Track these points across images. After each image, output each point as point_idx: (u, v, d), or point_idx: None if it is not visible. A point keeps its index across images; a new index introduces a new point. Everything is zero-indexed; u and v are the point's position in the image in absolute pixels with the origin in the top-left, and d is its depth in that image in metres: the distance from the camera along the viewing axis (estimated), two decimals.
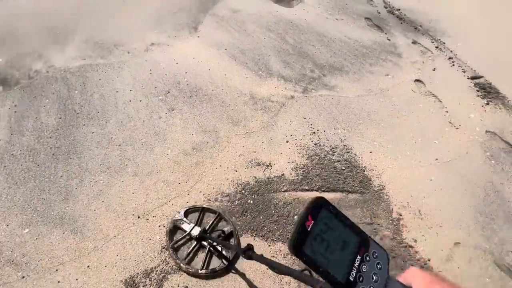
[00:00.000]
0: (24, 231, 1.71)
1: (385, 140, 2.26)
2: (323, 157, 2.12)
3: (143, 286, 1.53)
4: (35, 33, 3.07)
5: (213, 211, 1.79)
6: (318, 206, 0.46)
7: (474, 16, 3.64)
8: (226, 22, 3.35)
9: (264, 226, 1.77)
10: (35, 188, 1.91)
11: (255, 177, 2.00)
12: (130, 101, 2.46)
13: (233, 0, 3.63)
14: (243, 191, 1.92)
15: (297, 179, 1.99)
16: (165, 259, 1.63)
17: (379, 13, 3.68)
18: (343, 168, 2.06)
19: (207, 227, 1.70)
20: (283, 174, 2.01)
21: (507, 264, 1.64)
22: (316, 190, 1.93)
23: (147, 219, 1.79)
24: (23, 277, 1.55)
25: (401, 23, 3.52)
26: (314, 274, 0.54)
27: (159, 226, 1.76)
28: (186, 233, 1.66)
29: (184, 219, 1.72)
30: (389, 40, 3.27)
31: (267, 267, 0.97)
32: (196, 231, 1.64)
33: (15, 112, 2.33)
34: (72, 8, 3.37)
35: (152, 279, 1.56)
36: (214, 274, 1.59)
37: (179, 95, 2.53)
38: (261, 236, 1.73)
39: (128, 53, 2.92)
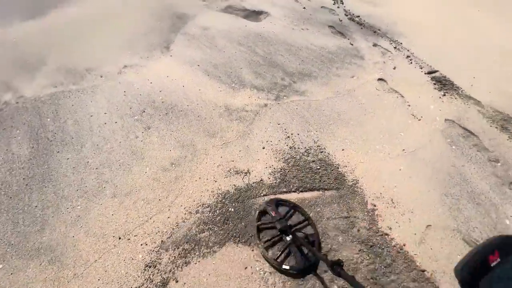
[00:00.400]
0: None
1: (355, 137, 2.41)
2: (299, 159, 2.22)
3: None
4: (3, 64, 3.05)
5: (304, 213, 1.85)
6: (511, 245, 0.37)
7: (426, 18, 4.01)
8: (197, 39, 3.49)
9: (246, 232, 1.81)
10: (8, 221, 1.86)
11: (234, 185, 2.05)
12: (105, 123, 2.48)
13: (202, 18, 3.79)
14: (223, 200, 1.96)
15: (275, 182, 2.07)
16: (148, 277, 1.63)
17: (341, 21, 3.96)
18: (318, 167, 2.16)
19: (293, 224, 1.75)
20: (261, 180, 2.09)
21: (474, 239, 1.76)
22: (294, 191, 2.02)
23: (129, 239, 1.79)
24: None
25: (361, 28, 3.80)
26: None
27: (141, 244, 1.76)
28: (273, 220, 1.75)
29: (276, 208, 1.82)
30: (352, 44, 3.51)
31: None
32: (282, 223, 1.70)
33: None
34: (41, 36, 3.40)
35: None
36: (285, 270, 1.61)
37: (154, 113, 2.58)
38: (244, 242, 1.77)
39: (101, 77, 2.96)
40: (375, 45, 3.51)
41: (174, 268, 1.66)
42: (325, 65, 3.21)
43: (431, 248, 1.75)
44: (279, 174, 2.12)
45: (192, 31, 3.62)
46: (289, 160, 2.21)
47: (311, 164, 2.19)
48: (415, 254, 1.72)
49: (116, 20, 3.70)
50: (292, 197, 1.99)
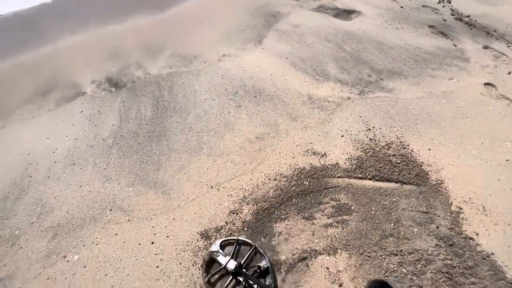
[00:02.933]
0: (129, 189, 2.37)
1: (446, 139, 2.35)
2: (378, 151, 2.33)
3: (214, 238, 1.96)
4: (137, 49, 4.12)
5: (249, 244, 1.86)
6: None
7: None
8: (288, 35, 3.92)
9: (309, 206, 2.05)
10: (137, 160, 2.61)
11: (310, 163, 2.33)
12: (206, 99, 3.12)
13: (294, 16, 4.22)
14: (299, 174, 2.26)
15: (351, 167, 2.24)
16: (231, 221, 2.05)
17: (445, 20, 3.76)
18: (399, 161, 2.23)
19: (242, 261, 1.77)
20: (337, 163, 2.29)
21: None
22: (370, 179, 2.15)
23: (218, 189, 2.27)
24: (129, 220, 2.16)
25: (471, 29, 3.53)
26: None
27: (228, 195, 2.21)
28: (222, 266, 1.74)
29: (220, 251, 1.81)
30: (455, 45, 3.32)
31: None
32: (232, 265, 1.71)
33: (123, 105, 3.20)
34: (162, 28, 4.42)
35: (222, 235, 1.98)
36: None
37: (245, 95, 3.09)
38: (305, 217, 2.01)
39: (205, 62, 3.68)
40: (486, 47, 3.23)
41: (251, 218, 2.04)
42: (418, 65, 3.16)
43: None
44: (355, 161, 2.28)
45: (284, 28, 4.07)
46: (367, 150, 2.35)
47: (391, 157, 2.27)
48: (505, 266, 1.63)
49: (219, 16, 4.48)
50: (366, 184, 2.13)
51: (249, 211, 2.09)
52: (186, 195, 2.27)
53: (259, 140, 2.59)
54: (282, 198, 2.11)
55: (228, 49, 3.84)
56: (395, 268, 1.68)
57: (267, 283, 1.66)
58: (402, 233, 1.82)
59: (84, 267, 1.89)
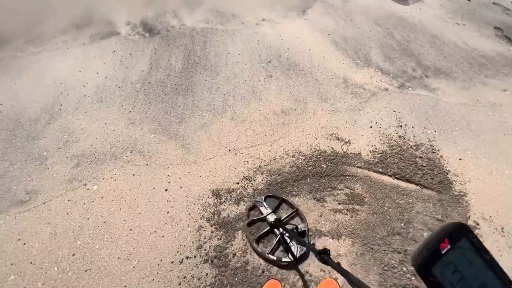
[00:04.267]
0: (151, 136, 2.44)
1: (482, 153, 2.22)
2: (405, 150, 2.25)
3: (225, 199, 2.03)
4: None
5: (292, 206, 1.95)
6: (459, 232, 0.44)
7: None
8: (335, 10, 3.65)
9: (324, 188, 2.05)
10: (161, 109, 2.64)
11: (332, 148, 2.29)
12: (237, 62, 3.04)
13: None
14: (318, 156, 2.23)
15: (373, 160, 2.19)
16: (244, 186, 2.10)
17: None
18: (424, 165, 2.15)
19: (282, 217, 1.87)
20: (359, 153, 2.24)
21: None
22: (390, 176, 2.10)
23: (236, 154, 2.30)
24: (147, 164, 2.25)
25: None
26: None
27: (244, 161, 2.24)
28: (263, 216, 1.88)
29: (264, 203, 1.94)
30: None
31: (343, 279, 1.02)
32: (272, 218, 1.84)
33: (155, 53, 3.18)
34: None
35: (232, 197, 2.05)
36: (278, 263, 1.71)
37: (278, 66, 2.99)
38: (317, 199, 2.02)
39: (242, 23, 3.53)
40: None
41: (263, 187, 2.08)
42: (472, 68, 2.90)
43: None
44: (379, 155, 2.22)
45: (332, 1, 3.78)
46: (394, 147, 2.27)
47: (417, 159, 2.19)
48: None
49: None
50: (385, 180, 2.09)
51: (262, 180, 2.12)
52: (204, 153, 2.32)
53: (284, 115, 2.55)
54: (297, 176, 2.12)
55: (269, 14, 3.64)
56: (395, 265, 1.70)
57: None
58: (410, 234, 1.82)
59: (102, 197, 2.03)
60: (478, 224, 1.86)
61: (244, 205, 1.99)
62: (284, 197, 1.99)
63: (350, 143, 2.32)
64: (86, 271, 1.72)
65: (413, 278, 1.65)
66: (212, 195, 2.06)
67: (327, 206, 1.97)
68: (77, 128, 2.45)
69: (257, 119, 2.53)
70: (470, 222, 1.87)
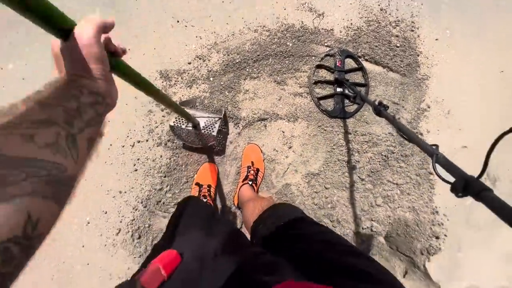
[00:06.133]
0: None
1: (461, 33, 2.03)
2: (383, 26, 1.98)
3: (175, 81, 1.81)
4: None
5: (366, 79, 1.89)
6: None
7: None
8: None
9: (292, 70, 1.88)
10: None
11: (302, 22, 1.94)
12: None
13: None
14: (285, 32, 1.91)
15: (345, 39, 1.94)
16: (197, 67, 1.84)
17: None
18: (398, 45, 1.96)
19: (351, 81, 1.85)
20: (332, 29, 1.94)
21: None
22: (359, 57, 1.93)
23: (186, 26, 1.88)
24: None
25: None
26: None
27: (196, 36, 1.87)
28: (335, 68, 1.85)
29: (337, 57, 1.88)
30: None
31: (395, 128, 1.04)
32: (341, 75, 1.84)
33: None
34: None
35: (184, 79, 1.82)
36: (319, 106, 1.83)
37: None
38: (280, 82, 1.87)
39: None
40: None
41: (218, 68, 1.84)
42: None
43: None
44: (353, 32, 1.95)
45: None
46: (371, 23, 1.97)
47: (392, 38, 1.97)
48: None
49: None
50: (352, 62, 1.93)
51: (218, 60, 1.85)
52: (146, 24, 1.87)
53: None
54: (258, 55, 1.86)
55: None
56: (343, 143, 1.82)
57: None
58: (364, 117, 1.86)
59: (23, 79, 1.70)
60: (429, 107, 1.93)
61: (197, 88, 1.81)
62: (364, 67, 1.91)
63: (323, 16, 1.96)
64: None
65: (356, 154, 1.82)
66: (161, 77, 1.81)
67: (287, 90, 1.86)
68: None
69: None
70: (422, 105, 1.93)
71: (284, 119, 1.83)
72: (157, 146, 1.72)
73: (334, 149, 1.81)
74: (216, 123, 1.58)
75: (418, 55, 1.97)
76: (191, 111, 1.60)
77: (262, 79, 1.85)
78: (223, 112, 1.66)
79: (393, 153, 1.84)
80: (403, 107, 1.91)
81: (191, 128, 1.57)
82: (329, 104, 1.87)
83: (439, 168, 0.68)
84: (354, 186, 1.81)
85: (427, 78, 1.95)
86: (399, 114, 1.89)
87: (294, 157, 1.81)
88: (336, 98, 1.86)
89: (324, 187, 1.80)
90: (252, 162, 1.67)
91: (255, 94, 1.84)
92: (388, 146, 1.83)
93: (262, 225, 0.94)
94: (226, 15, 1.91)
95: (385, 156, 1.82)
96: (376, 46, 1.94)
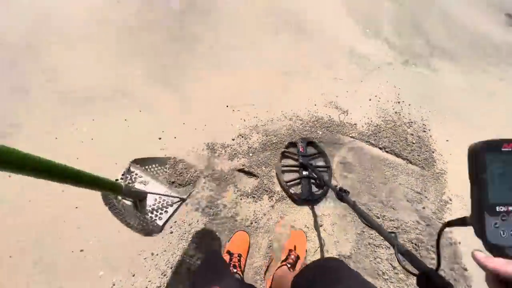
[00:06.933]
0: (149, 80, 2.31)
1: (466, 138, 2.34)
2: (399, 125, 2.32)
3: (219, 154, 2.05)
4: None
5: (327, 161, 2.05)
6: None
7: None
8: None
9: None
10: (156, 54, 2.48)
11: (330, 116, 2.31)
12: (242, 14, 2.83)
13: None
14: (315, 122, 2.26)
15: (367, 132, 2.25)
16: (239, 143, 2.11)
17: None
18: (414, 142, 2.25)
19: (314, 165, 2.00)
20: (355, 124, 2.29)
21: None
22: (380, 148, 2.19)
23: (233, 110, 2.26)
24: (140, 111, 2.17)
25: None
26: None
27: (241, 118, 2.22)
28: (298, 154, 2.03)
29: (300, 144, 2.08)
30: None
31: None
32: (305, 160, 1.99)
33: None
34: None
35: (226, 152, 2.06)
36: (289, 194, 1.89)
37: (286, 27, 2.83)
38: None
39: None
40: None
41: (258, 146, 2.10)
42: (476, 54, 2.91)
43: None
44: (373, 127, 2.28)
45: None
46: (388, 122, 2.33)
47: (408, 135, 2.28)
48: (463, 252, 1.85)
49: None
50: (375, 152, 2.18)
51: (257, 139, 2.13)
52: (200, 105, 2.26)
53: (286, 76, 2.49)
54: (292, 138, 2.15)
55: None
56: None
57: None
58: (391, 202, 1.96)
59: (92, 139, 1.98)
60: (451, 200, 2.04)
61: (238, 161, 2.02)
62: (324, 151, 2.08)
63: (347, 113, 2.34)
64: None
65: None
66: (207, 148, 2.06)
67: None
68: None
69: (255, 78, 2.45)
70: (444, 197, 2.05)
71: None
72: (195, 211, 1.81)
73: (364, 231, 1.85)
74: (171, 206, 1.04)
75: (433, 152, 2.23)
76: (144, 177, 1.09)
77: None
78: (188, 194, 1.28)
79: (423, 242, 1.84)
80: (426, 197, 2.03)
81: (129, 203, 1.00)
82: (298, 188, 1.96)
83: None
84: (386, 274, 1.75)
85: (444, 173, 2.15)
86: (423, 204, 1.99)
87: (324, 235, 1.83)
88: (303, 181, 1.95)
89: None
90: (294, 246, 1.69)
91: None
92: (417, 234, 1.86)
93: None
94: (266, 103, 2.32)
95: (415, 244, 1.83)
96: (395, 141, 2.23)
